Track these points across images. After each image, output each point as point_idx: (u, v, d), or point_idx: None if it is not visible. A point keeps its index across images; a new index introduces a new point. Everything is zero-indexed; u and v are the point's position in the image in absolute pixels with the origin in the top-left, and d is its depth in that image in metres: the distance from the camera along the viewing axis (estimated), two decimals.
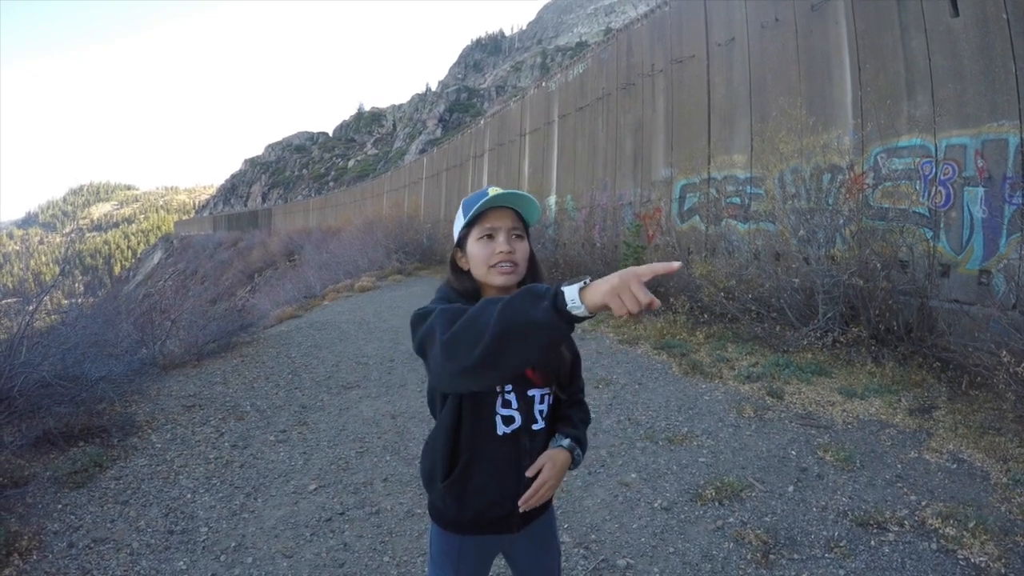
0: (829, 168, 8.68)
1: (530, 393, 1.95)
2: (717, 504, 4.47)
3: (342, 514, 4.63)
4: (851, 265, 7.43)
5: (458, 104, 70.19)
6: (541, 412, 1.98)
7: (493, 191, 1.87)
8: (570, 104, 17.46)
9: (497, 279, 1.87)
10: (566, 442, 2.00)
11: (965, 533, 3.91)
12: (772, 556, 3.79)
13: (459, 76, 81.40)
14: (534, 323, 1.37)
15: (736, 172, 10.76)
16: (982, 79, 7.06)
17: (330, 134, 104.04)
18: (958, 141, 7.23)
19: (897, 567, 3.67)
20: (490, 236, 1.88)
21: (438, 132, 64.62)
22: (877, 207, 8.06)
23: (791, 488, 4.68)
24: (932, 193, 7.45)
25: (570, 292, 1.36)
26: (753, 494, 4.61)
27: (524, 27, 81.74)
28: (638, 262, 11.14)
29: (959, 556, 3.75)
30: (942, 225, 7.37)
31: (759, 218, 9.89)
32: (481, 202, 1.86)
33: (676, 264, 1.35)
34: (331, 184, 73.75)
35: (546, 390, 2.00)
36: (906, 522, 4.13)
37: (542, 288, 1.42)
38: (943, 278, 7.26)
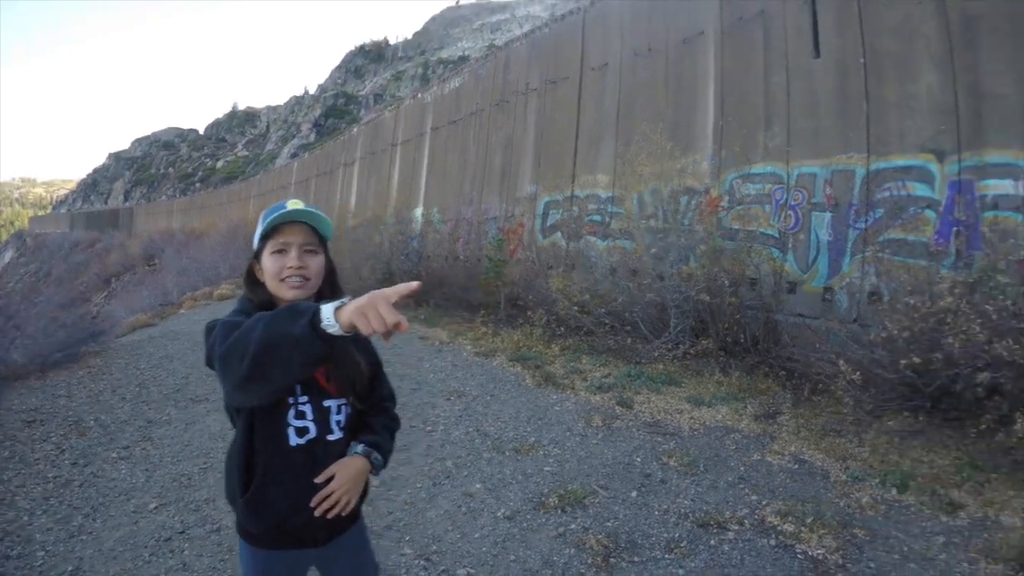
0: (686, 191, 9.24)
1: (326, 404, 1.97)
2: (560, 511, 4.53)
3: (182, 532, 4.41)
4: (701, 282, 7.88)
5: (334, 110, 68.70)
6: (338, 423, 2.00)
7: (292, 204, 1.91)
8: (444, 117, 17.50)
9: (288, 293, 1.90)
10: (360, 448, 2.01)
11: (803, 528, 4.17)
12: (612, 560, 3.88)
13: (339, 81, 79.65)
14: (292, 338, 1.43)
15: (599, 191, 11.18)
16: (836, 115, 7.75)
17: (201, 132, 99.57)
18: (809, 170, 7.91)
19: (736, 564, 3.84)
20: (283, 250, 1.91)
21: (312, 137, 63.02)
22: (730, 228, 8.62)
23: (634, 493, 4.82)
24: (782, 217, 8.09)
25: (326, 310, 1.42)
26: (596, 500, 4.70)
27: (410, 37, 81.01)
28: (499, 276, 11.44)
29: (797, 550, 3.97)
30: (790, 246, 7.99)
31: (618, 236, 10.32)
32: (272, 216, 1.90)
33: (415, 284, 1.43)
34: (198, 185, 70.63)
35: (342, 401, 2.02)
36: (746, 521, 4.35)
37: (304, 305, 1.49)
38: (790, 294, 7.84)
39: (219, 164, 75.89)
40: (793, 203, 7.99)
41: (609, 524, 4.34)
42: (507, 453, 5.67)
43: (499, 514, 4.55)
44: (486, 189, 14.75)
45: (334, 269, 2.06)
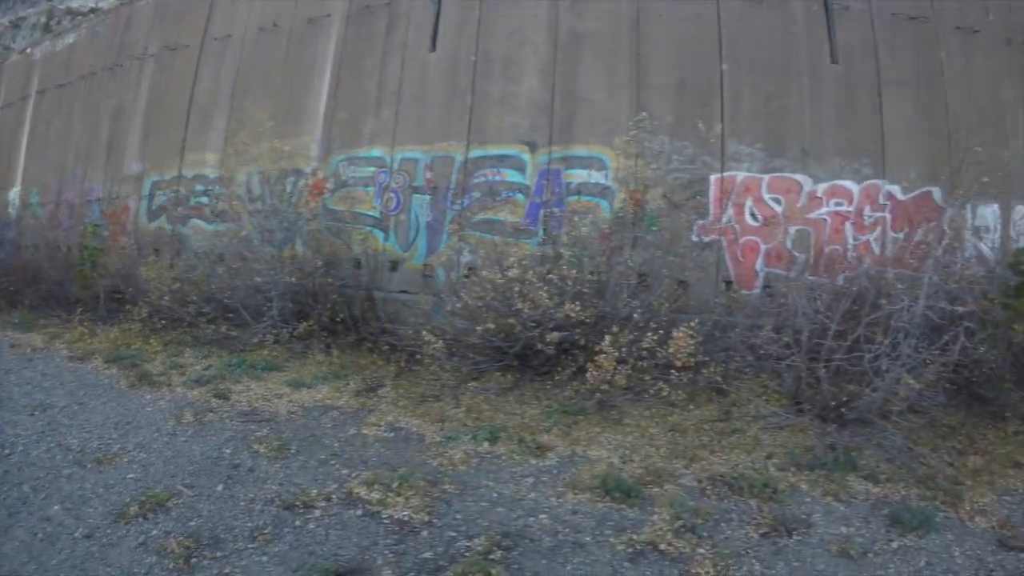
0: (294, 172, 9.23)
1: None
2: (142, 519, 4.26)
3: None
4: (304, 264, 7.96)
5: None
6: None
7: None
8: (52, 78, 15.04)
9: None
10: None
11: (390, 494, 4.32)
12: (194, 560, 3.75)
13: None
14: None
15: (207, 171, 10.54)
16: (442, 106, 8.35)
17: None
18: (412, 155, 8.41)
19: (322, 541, 3.87)
20: None
21: None
22: (335, 210, 8.80)
23: (220, 487, 4.66)
24: (385, 199, 8.50)
25: None
26: (180, 501, 4.48)
27: None
28: (95, 267, 10.40)
29: (383, 516, 4.11)
30: (392, 227, 8.41)
31: (225, 218, 9.83)
32: None
33: None
34: None
35: None
36: (334, 496, 4.38)
37: None
38: (393, 272, 8.25)
39: None
40: (395, 186, 8.44)
41: (193, 523, 4.16)
42: (89, 466, 5.16)
43: (78, 534, 4.17)
44: (91, 166, 13.01)
45: None
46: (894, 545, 4.06)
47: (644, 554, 3.82)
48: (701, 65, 7.73)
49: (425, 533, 3.95)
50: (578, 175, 7.63)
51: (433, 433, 5.43)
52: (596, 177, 7.57)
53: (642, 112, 7.21)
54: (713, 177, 7.46)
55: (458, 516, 4.13)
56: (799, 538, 4.08)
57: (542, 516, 4.20)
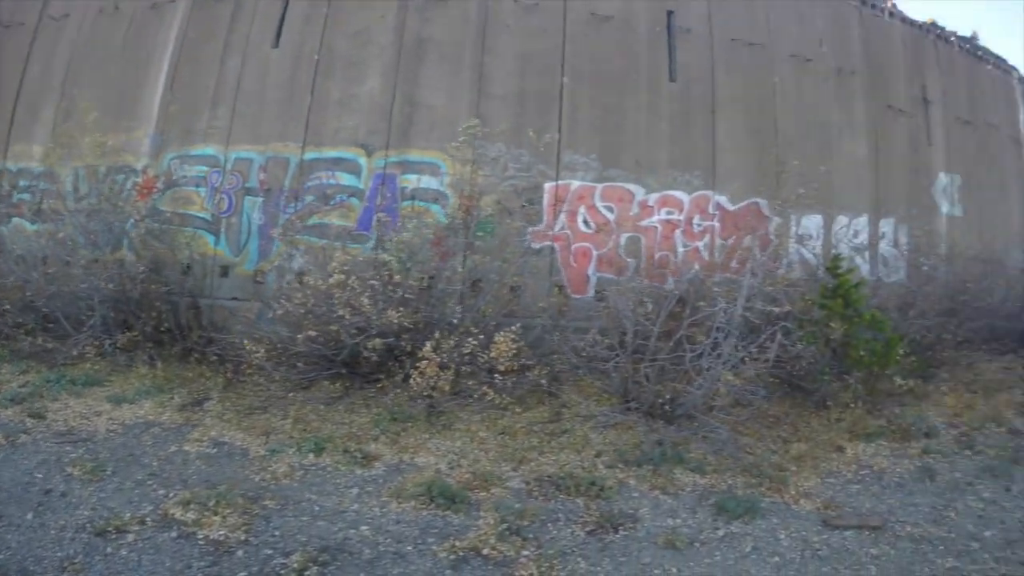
0: (123, 169, 8.74)
1: None
2: None
3: None
4: (127, 269, 7.56)
5: None
6: None
7: None
8: None
9: None
10: None
11: (206, 513, 4.21)
12: None
13: None
14: None
15: (32, 165, 9.72)
16: (281, 105, 8.21)
17: None
18: (246, 155, 8.20)
19: (134, 567, 3.70)
20: None
21: None
22: (164, 211, 8.42)
23: (31, 515, 4.36)
24: (217, 200, 8.23)
25: None
26: None
27: None
28: None
29: (199, 537, 4.00)
30: (223, 230, 8.17)
31: (45, 218, 9.18)
32: None
33: None
34: None
35: None
36: (148, 519, 4.21)
37: None
38: (223, 278, 8.04)
39: None
40: (228, 187, 8.20)
41: (0, 557, 3.87)
42: None
43: None
44: None
45: None
46: (720, 533, 4.35)
47: (467, 560, 3.89)
48: (543, 76, 8.02)
49: (241, 552, 3.89)
50: (413, 180, 7.77)
51: (258, 447, 5.35)
52: (431, 182, 7.74)
53: (476, 119, 7.32)
54: (548, 185, 7.80)
55: (276, 532, 4.08)
56: (625, 533, 4.29)
57: (363, 528, 4.22)
